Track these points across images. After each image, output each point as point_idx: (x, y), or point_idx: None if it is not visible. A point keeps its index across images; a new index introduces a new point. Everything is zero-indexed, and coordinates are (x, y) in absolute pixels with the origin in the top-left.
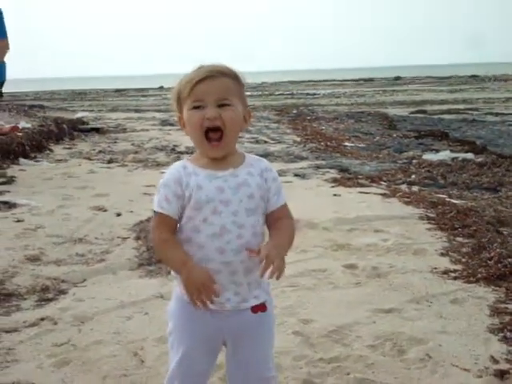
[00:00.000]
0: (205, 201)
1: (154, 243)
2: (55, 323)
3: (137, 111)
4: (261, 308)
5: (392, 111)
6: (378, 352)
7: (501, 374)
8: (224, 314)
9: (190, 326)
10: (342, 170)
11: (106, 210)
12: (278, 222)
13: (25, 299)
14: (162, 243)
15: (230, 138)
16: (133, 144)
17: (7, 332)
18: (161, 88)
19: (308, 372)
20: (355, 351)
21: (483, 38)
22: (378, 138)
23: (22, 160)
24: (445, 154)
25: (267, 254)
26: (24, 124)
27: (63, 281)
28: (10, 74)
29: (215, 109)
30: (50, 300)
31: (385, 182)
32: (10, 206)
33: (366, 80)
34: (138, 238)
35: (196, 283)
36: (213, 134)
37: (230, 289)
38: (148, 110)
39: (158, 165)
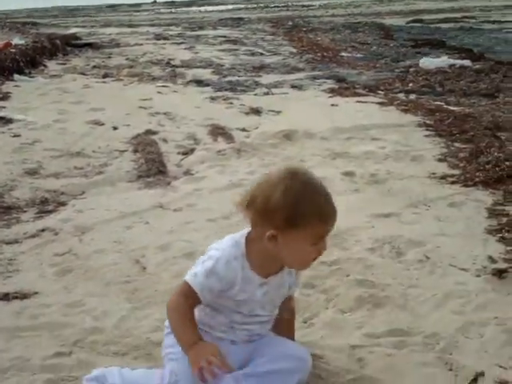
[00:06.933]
0: (245, 303)
1: (170, 305)
2: (56, 234)
3: (130, 26)
4: None
5: (389, 21)
6: (376, 254)
7: (499, 273)
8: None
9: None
10: (339, 80)
11: (102, 124)
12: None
13: (24, 212)
14: (180, 314)
15: None
16: (127, 59)
17: (8, 243)
18: (154, 3)
19: (308, 275)
20: (355, 254)
21: None
22: (374, 47)
23: (16, 76)
24: (441, 60)
25: None
26: (17, 40)
27: (62, 193)
28: None
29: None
30: (49, 212)
31: (382, 91)
32: (6, 121)
33: None
34: (135, 151)
35: (206, 355)
36: None
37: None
38: (141, 25)
39: (154, 79)
